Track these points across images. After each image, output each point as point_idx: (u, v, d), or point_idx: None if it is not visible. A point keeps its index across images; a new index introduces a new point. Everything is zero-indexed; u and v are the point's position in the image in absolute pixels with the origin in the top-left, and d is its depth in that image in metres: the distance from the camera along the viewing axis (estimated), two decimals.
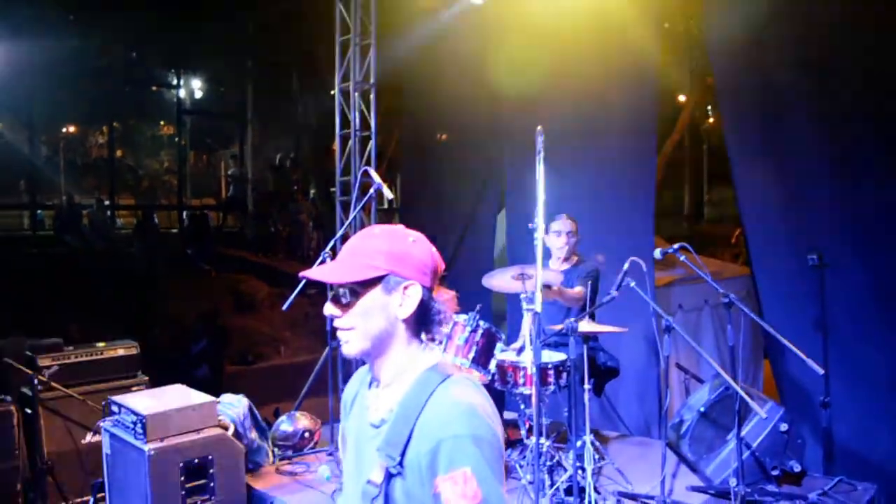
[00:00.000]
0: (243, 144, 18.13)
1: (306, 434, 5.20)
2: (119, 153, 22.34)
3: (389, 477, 1.70)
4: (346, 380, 7.53)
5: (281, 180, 15.78)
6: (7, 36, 15.27)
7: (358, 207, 5.02)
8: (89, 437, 5.46)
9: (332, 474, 4.79)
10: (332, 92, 7.81)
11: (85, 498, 5.31)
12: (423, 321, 1.80)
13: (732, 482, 4.24)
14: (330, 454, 5.10)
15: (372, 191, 4.82)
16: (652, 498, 4.45)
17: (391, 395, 1.80)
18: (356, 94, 7.59)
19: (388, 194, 4.82)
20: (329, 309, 1.79)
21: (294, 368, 9.98)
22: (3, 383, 5.39)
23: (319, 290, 12.33)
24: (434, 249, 1.85)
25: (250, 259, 13.39)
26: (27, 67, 16.33)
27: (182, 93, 18.93)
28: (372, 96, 7.63)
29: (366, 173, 4.92)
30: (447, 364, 1.82)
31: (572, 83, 6.45)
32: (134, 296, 10.45)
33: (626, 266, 4.28)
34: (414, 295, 1.76)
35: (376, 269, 1.75)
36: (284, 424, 5.21)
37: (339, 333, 1.79)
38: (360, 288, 1.75)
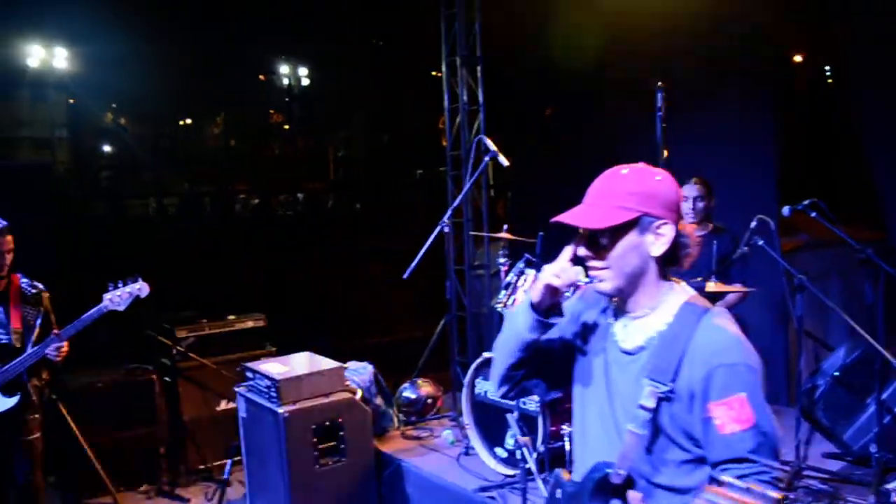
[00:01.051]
0: (354, 126, 18.50)
1: (429, 400, 5.32)
2: (232, 142, 23.28)
3: (658, 401, 1.75)
4: (461, 351, 7.66)
5: (391, 160, 16.00)
6: (128, 33, 16.10)
7: (475, 176, 5.04)
8: (223, 404, 5.78)
9: (455, 439, 4.88)
10: (434, 73, 7.86)
11: (222, 460, 5.62)
12: (672, 256, 1.85)
13: (872, 448, 4.05)
14: (453, 419, 5.18)
15: (487, 158, 4.83)
16: (787, 464, 4.31)
17: (645, 325, 1.86)
18: (463, 67, 7.64)
19: (503, 161, 4.82)
20: (582, 251, 1.84)
21: (405, 344, 10.18)
22: (145, 354, 5.76)
23: (433, 268, 12.55)
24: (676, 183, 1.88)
25: (364, 239, 13.66)
26: (147, 62, 17.20)
27: (291, 80, 19.46)
28: (479, 69, 7.66)
29: (480, 142, 4.94)
30: (699, 296, 1.88)
31: (686, 38, 6.24)
32: (257, 274, 10.92)
33: (752, 224, 4.14)
34: (667, 234, 1.81)
35: (630, 211, 1.79)
36: (408, 391, 5.34)
37: (592, 273, 1.85)
38: (614, 231, 1.79)
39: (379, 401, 5.00)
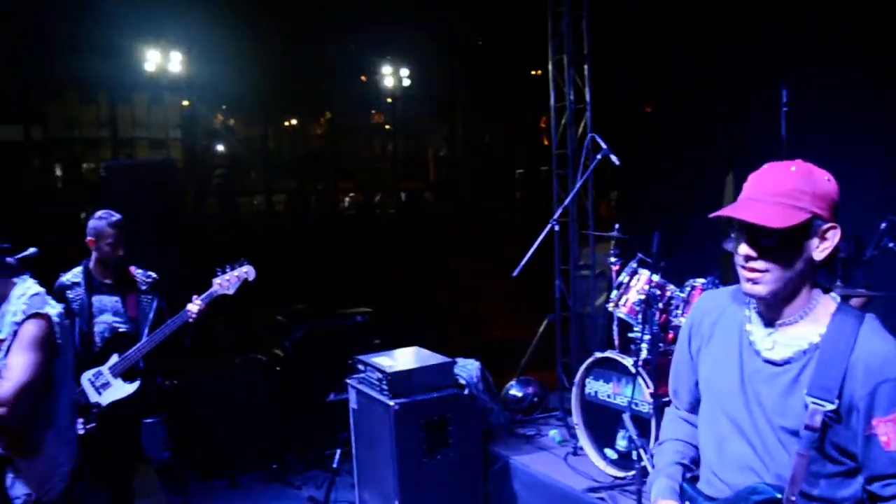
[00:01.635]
0: (454, 127, 18.63)
1: (535, 399, 5.30)
2: (334, 142, 23.83)
3: (823, 421, 1.67)
4: (566, 351, 7.59)
5: (491, 160, 16.03)
6: (238, 38, 16.71)
7: (586, 174, 4.99)
8: (332, 396, 5.91)
9: (563, 438, 4.84)
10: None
11: (330, 450, 5.76)
12: (829, 262, 1.75)
13: None
14: (560, 419, 5.15)
15: (599, 156, 4.77)
16: None
17: (795, 334, 1.76)
18: (570, 66, 7.59)
19: (615, 160, 4.75)
20: (744, 249, 1.74)
21: (505, 344, 10.17)
22: (260, 345, 5.98)
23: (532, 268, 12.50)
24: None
25: (462, 237, 13.75)
26: (256, 65, 17.80)
27: (391, 81, 19.73)
28: (586, 68, 7.59)
29: (593, 140, 4.88)
30: (845, 303, 1.79)
31: (808, 30, 5.97)
32: (361, 270, 11.16)
33: (883, 226, 3.93)
34: (833, 239, 1.71)
35: (803, 212, 1.68)
36: (514, 389, 5.34)
37: (748, 274, 1.75)
38: (786, 233, 1.68)
39: (486, 397, 5.02)
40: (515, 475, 4.61)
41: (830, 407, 1.64)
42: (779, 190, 1.71)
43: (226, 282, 4.15)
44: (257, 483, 5.64)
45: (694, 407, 2.03)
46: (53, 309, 2.78)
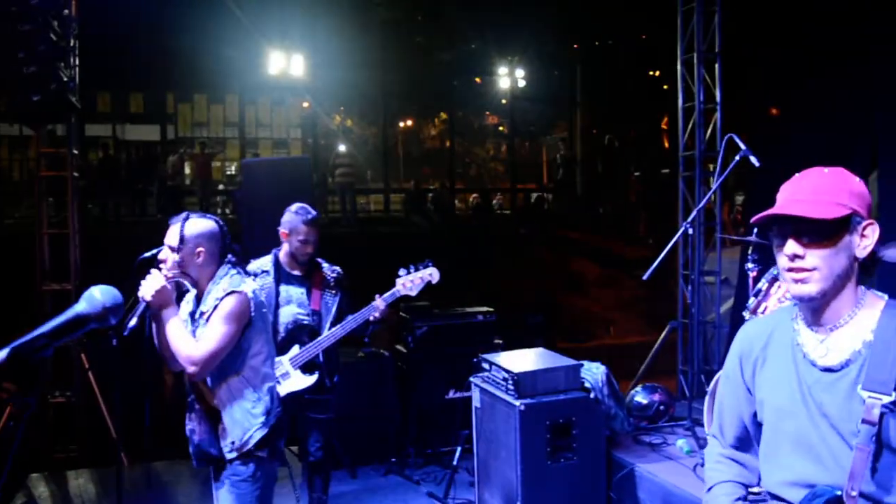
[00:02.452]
0: (573, 128, 18.47)
1: (661, 407, 5.16)
2: (447, 143, 24.10)
3: (882, 414, 1.65)
4: (686, 360, 7.36)
5: (610, 162, 15.80)
6: (356, 42, 17.13)
7: (723, 176, 4.81)
8: (452, 393, 5.95)
9: (691, 449, 4.69)
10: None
11: (449, 447, 5.79)
12: (870, 260, 1.77)
13: None
14: (688, 429, 4.99)
15: (738, 157, 4.59)
16: None
17: (847, 335, 1.75)
18: (700, 64, 7.36)
19: (755, 161, 4.55)
20: (791, 248, 1.74)
21: (623, 349, 9.99)
22: (382, 340, 6.08)
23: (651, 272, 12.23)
24: None
25: (580, 240, 13.64)
26: (373, 68, 18.22)
27: (507, 82, 19.73)
28: (717, 66, 7.35)
29: (731, 140, 4.70)
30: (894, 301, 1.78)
31: None
32: (480, 270, 11.23)
33: None
34: (872, 235, 1.74)
35: (844, 207, 1.71)
36: (639, 396, 5.21)
37: (794, 275, 1.75)
38: (829, 227, 1.71)
39: (611, 402, 4.91)
40: (641, 483, 4.50)
41: (888, 399, 1.63)
42: (817, 189, 1.74)
43: (409, 282, 4.17)
44: (375, 475, 5.73)
45: (741, 443, 1.99)
46: (250, 286, 3.01)
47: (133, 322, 2.97)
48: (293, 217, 4.16)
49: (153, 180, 14.94)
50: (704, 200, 5.02)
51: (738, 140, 4.64)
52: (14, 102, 5.46)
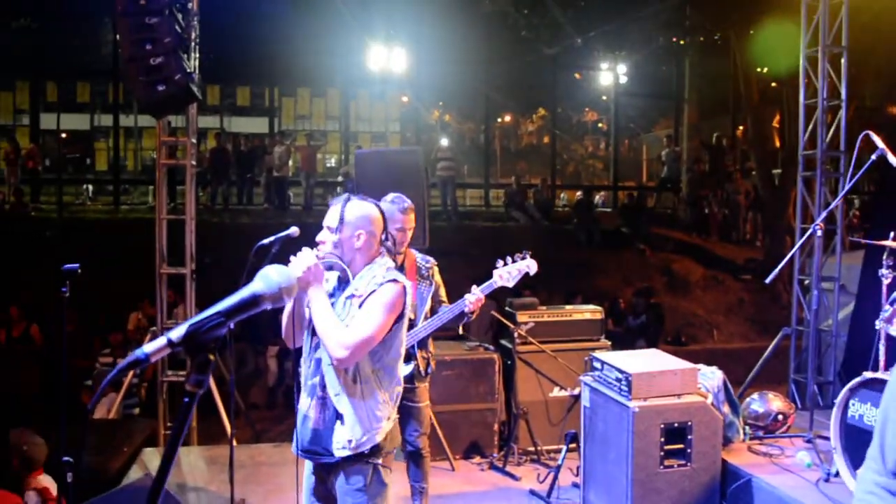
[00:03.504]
0: (678, 125, 17.96)
1: (779, 416, 4.93)
2: (545, 139, 23.85)
3: None
4: (799, 368, 7.04)
5: (717, 160, 15.29)
6: (457, 37, 17.12)
7: (857, 175, 4.53)
8: (556, 391, 5.87)
9: (812, 462, 4.47)
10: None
11: (552, 445, 5.72)
12: None
13: None
14: (808, 441, 4.75)
15: (874, 156, 4.32)
16: None
17: None
18: (824, 59, 7.03)
19: (893, 161, 4.28)
20: None
21: (728, 354, 9.65)
22: (488, 335, 6.05)
23: (756, 276, 11.76)
24: None
25: (683, 240, 13.26)
26: (473, 63, 18.19)
27: (608, 78, 19.36)
28: (843, 61, 7.01)
29: (867, 138, 4.43)
30: None
31: None
32: (575, 267, 11.07)
33: None
34: None
35: None
36: (756, 404, 5.00)
37: None
38: None
39: (726, 409, 4.73)
40: (758, 495, 4.31)
41: None
42: None
43: (507, 274, 4.14)
44: (476, 470, 5.71)
45: None
46: (406, 282, 2.96)
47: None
48: (389, 206, 4.15)
49: (261, 170, 15.37)
50: (837, 200, 4.78)
51: (874, 138, 4.37)
52: (141, 92, 5.65)
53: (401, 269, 4.24)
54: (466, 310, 4.13)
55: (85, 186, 18.43)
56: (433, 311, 4.23)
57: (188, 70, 5.75)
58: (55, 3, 16.11)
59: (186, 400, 1.42)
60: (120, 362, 5.27)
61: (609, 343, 5.93)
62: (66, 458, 2.48)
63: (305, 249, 2.89)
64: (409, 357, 4.15)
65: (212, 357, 1.42)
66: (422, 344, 4.22)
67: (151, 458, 5.87)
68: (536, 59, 17.53)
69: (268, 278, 1.61)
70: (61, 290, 2.51)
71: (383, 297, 2.82)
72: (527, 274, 4.19)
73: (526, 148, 27.77)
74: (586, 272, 11.77)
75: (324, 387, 2.90)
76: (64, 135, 20.08)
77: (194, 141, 6.81)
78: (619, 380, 4.30)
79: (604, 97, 21.59)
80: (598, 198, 18.61)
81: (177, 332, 1.41)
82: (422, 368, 4.25)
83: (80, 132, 24.70)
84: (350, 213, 2.94)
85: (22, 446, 4.50)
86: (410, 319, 4.14)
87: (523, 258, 4.18)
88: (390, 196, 4.24)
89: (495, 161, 24.56)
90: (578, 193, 16.67)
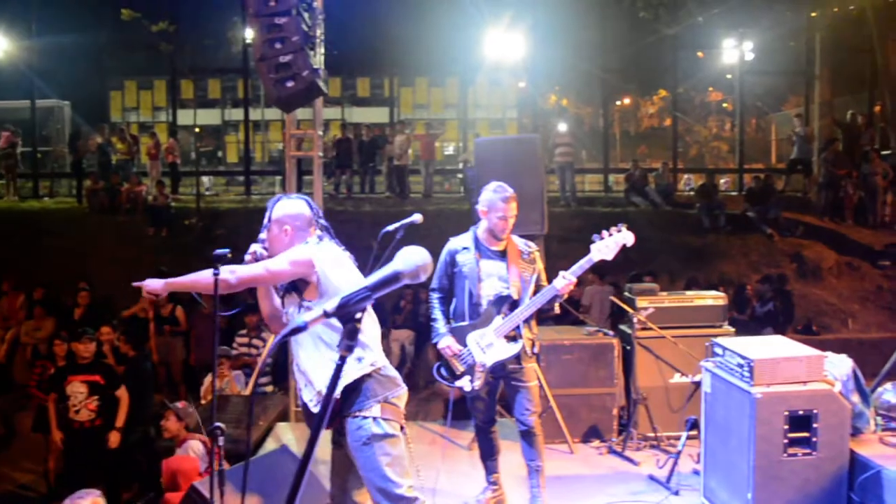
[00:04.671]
0: (809, 102, 17.10)
1: None
2: (667, 121, 23.21)
3: None
4: None
5: (852, 139, 14.45)
6: (577, 20, 16.93)
7: None
8: (677, 377, 5.83)
9: None
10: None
11: (671, 431, 5.69)
12: None
13: None
14: None
15: None
16: None
17: None
18: None
19: None
20: None
21: (863, 345, 9.21)
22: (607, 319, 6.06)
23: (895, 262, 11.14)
24: None
25: (815, 224, 12.67)
26: (589, 46, 17.95)
27: (733, 55, 18.62)
28: None
29: None
30: None
31: None
32: (699, 253, 10.84)
33: None
34: None
35: None
36: (889, 394, 4.78)
37: None
38: None
39: (855, 398, 4.56)
40: (889, 487, 4.15)
41: None
42: None
43: (605, 247, 4.24)
44: (594, 453, 5.76)
45: None
46: (316, 253, 3.35)
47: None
48: (492, 195, 4.35)
49: (382, 159, 15.78)
50: None
51: None
52: (272, 89, 5.98)
53: (503, 253, 4.40)
54: (558, 293, 4.22)
55: (203, 179, 19.34)
56: (536, 294, 4.34)
57: (314, 66, 6.03)
58: (190, 6, 17.09)
59: (339, 363, 1.63)
60: (255, 342, 5.71)
61: (732, 330, 5.82)
62: (217, 425, 2.76)
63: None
64: (515, 338, 4.29)
65: (359, 325, 1.62)
66: (526, 324, 4.36)
67: (284, 431, 6.26)
68: (656, 40, 17.10)
69: (407, 258, 1.81)
70: (214, 273, 2.78)
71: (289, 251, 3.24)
72: (624, 245, 4.22)
73: (646, 131, 27.17)
74: (710, 258, 11.49)
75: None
76: (198, 129, 21.28)
77: (321, 133, 7.12)
78: (741, 366, 4.25)
79: (728, 75, 20.78)
80: (722, 181, 17.98)
81: (331, 304, 1.64)
82: (528, 348, 4.38)
83: (212, 126, 26.13)
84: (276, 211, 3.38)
85: (177, 415, 5.01)
86: (514, 301, 4.30)
87: (619, 231, 4.26)
88: (492, 185, 4.41)
89: (614, 145, 24.19)
90: (688, 176, 16.20)
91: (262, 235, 3.42)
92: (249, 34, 15.64)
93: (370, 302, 1.69)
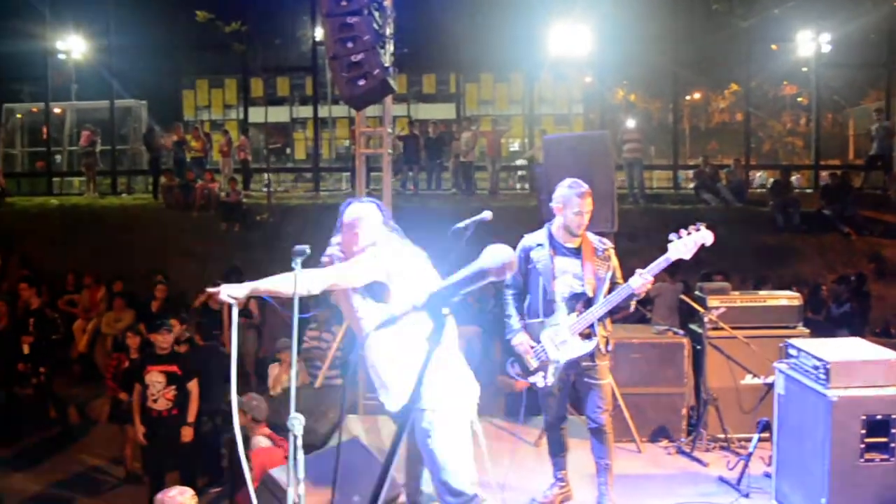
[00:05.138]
0: (890, 96, 16.49)
1: None
2: (738, 116, 22.63)
3: None
4: None
5: None
6: (642, 13, 16.66)
7: None
8: (749, 379, 5.73)
9: None
10: None
11: (742, 433, 5.59)
12: None
13: None
14: None
15: None
16: None
17: None
18: None
19: None
20: None
21: None
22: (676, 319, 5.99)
23: None
24: None
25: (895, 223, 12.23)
26: (658, 40, 17.65)
27: (811, 47, 18.05)
28: None
29: None
30: None
31: None
32: (772, 252, 10.59)
33: None
34: None
35: None
36: None
37: None
38: None
39: None
40: None
41: None
42: None
43: (682, 246, 4.19)
44: (662, 453, 5.71)
45: None
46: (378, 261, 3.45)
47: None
48: (567, 191, 4.35)
49: (448, 156, 15.85)
50: None
51: None
52: (344, 87, 6.09)
53: (578, 250, 4.39)
54: (635, 292, 4.20)
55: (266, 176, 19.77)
56: (611, 292, 4.32)
57: (385, 64, 6.12)
58: (261, 6, 17.48)
59: (427, 356, 1.71)
60: (325, 336, 5.83)
61: (807, 331, 5.68)
62: (296, 415, 2.86)
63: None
64: (589, 335, 4.28)
65: (446, 321, 1.70)
66: (601, 322, 4.36)
67: (354, 424, 6.38)
68: (729, 32, 16.73)
69: (492, 255, 1.86)
70: (292, 267, 2.87)
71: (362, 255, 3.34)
72: (703, 245, 4.17)
73: (717, 126, 26.54)
74: (783, 257, 11.21)
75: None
76: (267, 127, 21.75)
77: (390, 130, 7.21)
78: (816, 368, 4.16)
79: (804, 69, 20.15)
80: (795, 178, 17.47)
81: (419, 300, 1.73)
82: (602, 346, 4.39)
83: (281, 124, 26.64)
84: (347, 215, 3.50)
85: (251, 405, 5.16)
86: (589, 298, 4.28)
87: (697, 230, 4.20)
88: (567, 181, 4.41)
89: (684, 141, 23.73)
90: (759, 174, 15.78)
91: (336, 239, 3.52)
92: (318, 33, 16.04)
93: (457, 298, 1.75)
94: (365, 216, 3.47)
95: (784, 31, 18.08)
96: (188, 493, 3.99)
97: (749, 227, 12.13)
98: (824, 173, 15.94)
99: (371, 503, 1.86)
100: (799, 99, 24.80)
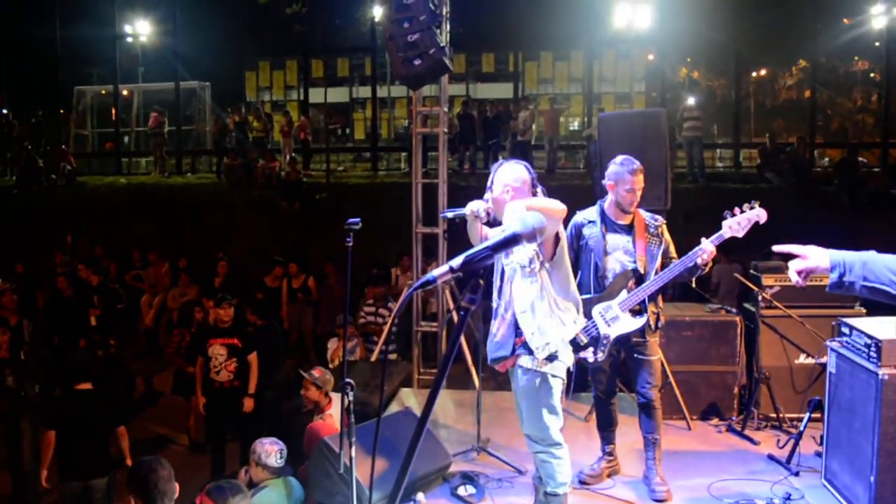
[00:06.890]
0: None
1: None
2: (806, 93, 21.96)
3: None
4: None
5: None
6: None
7: None
8: (802, 358, 5.69)
9: None
10: None
11: (793, 413, 5.56)
12: None
13: None
14: None
15: None
16: None
17: None
18: None
19: None
20: None
21: None
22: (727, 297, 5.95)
23: None
24: None
25: None
26: (725, 13, 17.25)
27: (882, 21, 17.40)
28: None
29: None
30: None
31: None
32: (834, 233, 10.33)
33: None
34: None
35: None
36: None
37: None
38: None
39: None
40: None
41: None
42: None
43: (736, 224, 4.19)
44: (712, 431, 5.71)
45: None
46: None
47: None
48: (619, 168, 4.36)
49: (505, 135, 15.85)
50: None
51: None
52: (400, 67, 6.20)
53: (630, 227, 4.42)
54: (699, 262, 4.20)
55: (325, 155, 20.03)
56: (663, 268, 4.35)
57: (441, 44, 6.20)
58: None
59: (462, 314, 1.82)
60: (382, 312, 6.00)
61: (864, 311, 5.57)
62: (347, 381, 3.00)
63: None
64: (640, 311, 4.32)
65: (481, 281, 1.81)
66: (652, 298, 4.38)
67: (408, 396, 6.55)
68: (796, 6, 16.26)
69: (524, 221, 1.99)
70: (346, 241, 2.99)
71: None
72: (757, 223, 4.17)
73: (784, 104, 25.81)
74: (848, 238, 10.82)
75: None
76: (327, 107, 22.05)
77: (446, 110, 7.28)
78: (867, 346, 4.13)
79: (876, 43, 19.44)
80: (862, 156, 16.93)
81: (456, 261, 1.84)
82: (652, 323, 4.42)
83: (341, 104, 26.95)
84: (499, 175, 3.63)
85: (316, 384, 5.31)
86: (640, 275, 4.32)
87: (752, 208, 4.19)
88: (619, 158, 4.42)
89: (748, 119, 23.18)
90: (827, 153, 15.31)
91: (487, 196, 3.65)
92: (377, 13, 16.18)
93: (492, 261, 1.87)
94: (516, 175, 3.62)
95: (856, 5, 17.49)
96: (279, 444, 4.39)
97: (813, 206, 11.86)
98: (894, 152, 15.43)
99: (400, 475, 1.99)
100: (871, 75, 23.95)
